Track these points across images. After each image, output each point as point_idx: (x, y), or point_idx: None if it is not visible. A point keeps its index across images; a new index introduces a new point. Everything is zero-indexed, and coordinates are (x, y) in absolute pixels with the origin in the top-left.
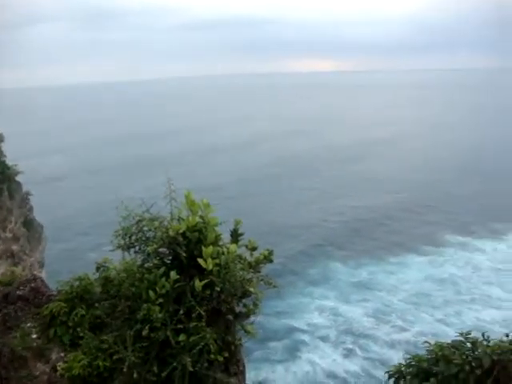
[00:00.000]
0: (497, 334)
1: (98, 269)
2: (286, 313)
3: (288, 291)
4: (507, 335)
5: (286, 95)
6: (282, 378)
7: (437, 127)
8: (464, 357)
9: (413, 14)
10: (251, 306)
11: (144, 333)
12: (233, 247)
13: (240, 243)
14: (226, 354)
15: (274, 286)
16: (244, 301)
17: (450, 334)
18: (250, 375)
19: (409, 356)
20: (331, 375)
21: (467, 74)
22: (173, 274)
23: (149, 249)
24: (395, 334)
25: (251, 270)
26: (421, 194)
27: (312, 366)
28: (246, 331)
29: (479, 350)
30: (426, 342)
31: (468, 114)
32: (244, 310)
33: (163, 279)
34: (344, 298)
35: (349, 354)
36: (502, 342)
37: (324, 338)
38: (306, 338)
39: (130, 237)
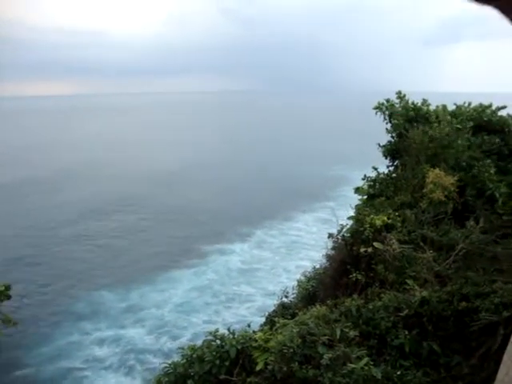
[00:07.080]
0: (255, 323)
1: None
2: (59, 356)
3: (54, 333)
4: (249, 325)
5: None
6: None
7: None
8: (214, 353)
9: (152, 39)
10: None
11: None
12: None
13: None
14: None
15: (15, 324)
16: None
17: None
18: None
19: (166, 364)
20: None
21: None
22: None
23: None
24: (171, 342)
25: None
26: (175, 210)
27: None
28: None
29: (226, 344)
30: (179, 348)
31: (206, 133)
32: None
33: None
34: (119, 324)
35: (129, 371)
36: (245, 332)
37: (108, 366)
38: (88, 373)
39: None
